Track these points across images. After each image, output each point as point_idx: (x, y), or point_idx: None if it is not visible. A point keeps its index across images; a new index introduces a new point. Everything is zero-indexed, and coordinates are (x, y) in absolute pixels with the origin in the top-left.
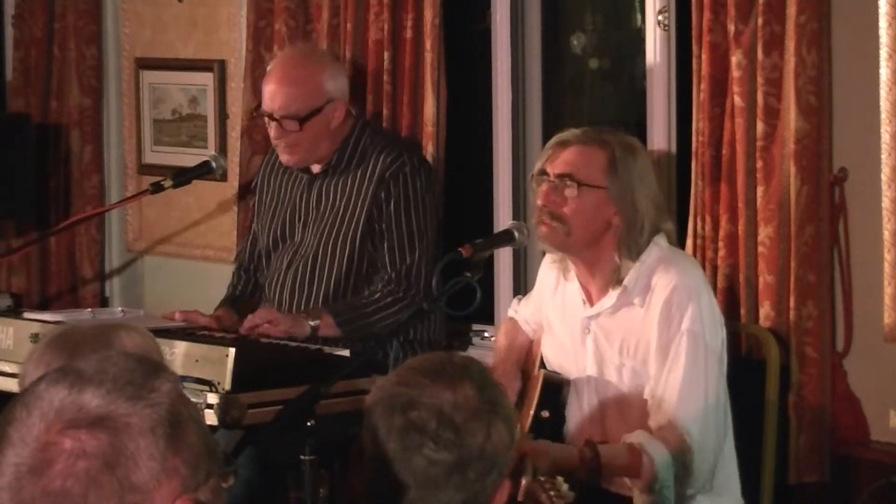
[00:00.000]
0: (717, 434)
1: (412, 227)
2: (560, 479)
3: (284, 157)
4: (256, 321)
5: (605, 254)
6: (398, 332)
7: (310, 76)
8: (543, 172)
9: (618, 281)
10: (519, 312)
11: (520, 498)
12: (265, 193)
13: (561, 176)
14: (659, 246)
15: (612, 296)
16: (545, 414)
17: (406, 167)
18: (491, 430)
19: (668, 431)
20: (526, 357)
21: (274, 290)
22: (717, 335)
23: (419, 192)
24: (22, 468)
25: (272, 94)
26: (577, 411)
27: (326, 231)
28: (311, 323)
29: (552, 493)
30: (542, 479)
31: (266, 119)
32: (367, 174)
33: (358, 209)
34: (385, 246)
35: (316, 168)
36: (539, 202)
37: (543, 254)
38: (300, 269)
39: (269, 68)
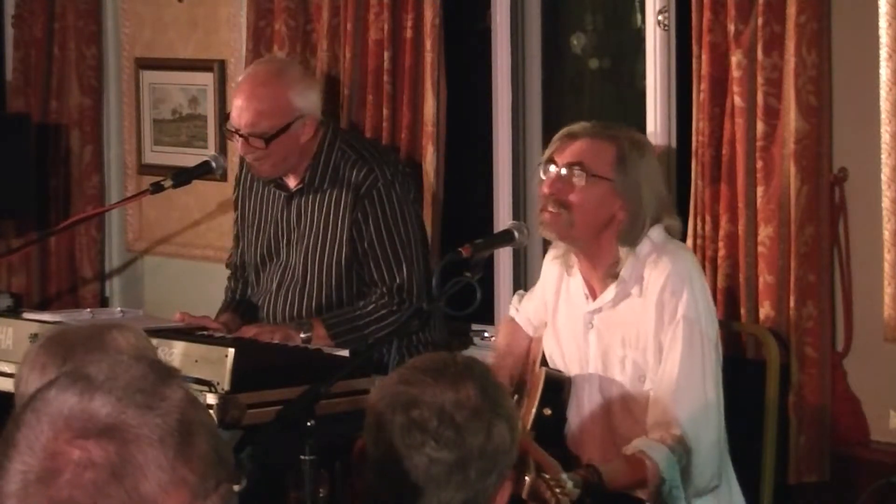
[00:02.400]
0: (717, 425)
1: (395, 243)
2: (564, 476)
3: (254, 169)
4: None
5: (607, 247)
6: (398, 334)
7: (278, 94)
8: (551, 161)
9: (615, 274)
10: (520, 311)
11: (524, 495)
12: (247, 209)
13: (570, 165)
14: (651, 237)
15: (612, 289)
16: (547, 411)
17: (379, 182)
18: (492, 429)
19: (665, 427)
20: (525, 357)
21: (267, 312)
22: (711, 321)
23: (395, 205)
24: (29, 476)
25: (239, 111)
26: (578, 409)
27: (310, 253)
28: (303, 335)
29: (557, 489)
30: (547, 476)
31: (234, 134)
32: (343, 192)
33: (339, 231)
34: (371, 265)
35: (291, 183)
36: (545, 190)
37: (544, 253)
38: (289, 293)
39: (239, 80)
